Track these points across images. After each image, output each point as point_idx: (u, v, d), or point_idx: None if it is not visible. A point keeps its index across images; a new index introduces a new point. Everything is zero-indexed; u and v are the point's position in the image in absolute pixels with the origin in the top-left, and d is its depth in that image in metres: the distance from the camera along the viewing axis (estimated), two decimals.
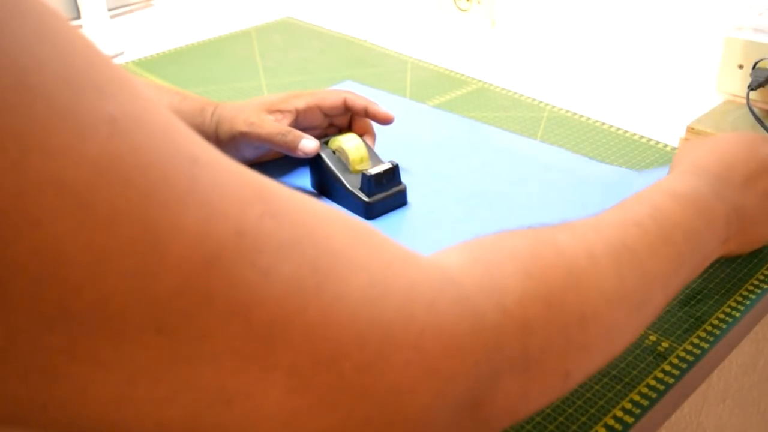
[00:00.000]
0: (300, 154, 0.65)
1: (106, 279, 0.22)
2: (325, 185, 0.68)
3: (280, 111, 0.67)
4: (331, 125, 0.72)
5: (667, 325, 0.52)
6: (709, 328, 0.52)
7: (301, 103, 0.68)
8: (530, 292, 0.33)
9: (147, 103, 0.25)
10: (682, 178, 0.49)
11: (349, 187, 0.65)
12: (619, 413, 0.45)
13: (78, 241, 0.21)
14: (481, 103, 0.88)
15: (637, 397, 0.47)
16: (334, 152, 0.68)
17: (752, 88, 0.74)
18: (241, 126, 0.66)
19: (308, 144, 0.65)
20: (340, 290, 0.26)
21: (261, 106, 0.68)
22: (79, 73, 0.23)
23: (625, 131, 0.79)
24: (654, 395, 0.47)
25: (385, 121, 0.69)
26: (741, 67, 0.79)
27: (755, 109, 0.73)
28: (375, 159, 0.68)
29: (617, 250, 0.39)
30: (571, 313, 0.35)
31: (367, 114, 0.69)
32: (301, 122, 0.69)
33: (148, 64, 1.04)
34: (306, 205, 0.28)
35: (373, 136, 0.72)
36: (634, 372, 0.48)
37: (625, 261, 0.39)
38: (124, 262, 0.22)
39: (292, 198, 0.28)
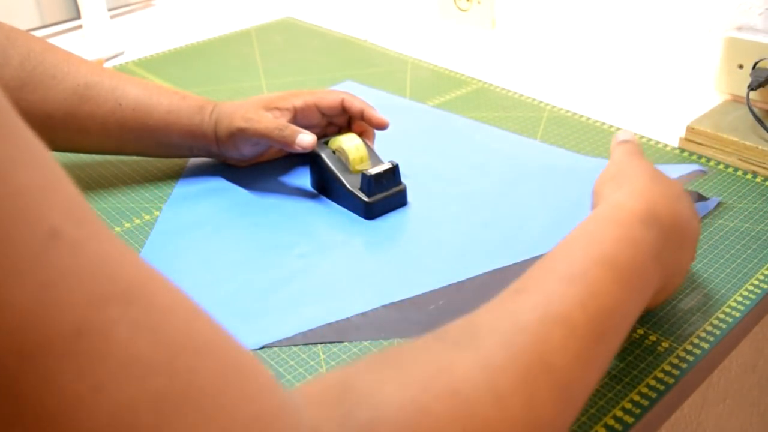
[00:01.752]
0: (297, 149, 0.65)
1: None
2: (325, 185, 0.68)
3: (278, 108, 0.67)
4: (330, 124, 0.72)
5: (667, 325, 0.52)
6: (709, 328, 0.52)
7: (299, 102, 0.68)
8: None
9: (9, 164, 0.21)
10: (627, 234, 0.43)
11: (349, 187, 0.65)
12: (619, 413, 0.45)
13: None
14: (481, 103, 0.88)
15: (637, 397, 0.47)
16: (334, 152, 0.68)
17: (752, 88, 0.74)
18: (239, 122, 0.67)
19: (305, 138, 0.65)
20: None
21: (259, 103, 0.68)
22: None
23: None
24: (654, 395, 0.47)
25: (380, 126, 0.69)
26: (741, 67, 0.79)
27: (755, 109, 0.73)
28: (375, 159, 0.68)
29: (533, 376, 0.33)
30: None
31: (363, 117, 0.69)
32: (299, 121, 0.69)
33: (148, 64, 1.04)
34: (189, 324, 0.24)
35: (372, 136, 0.72)
36: (634, 372, 0.48)
37: (542, 385, 0.33)
38: None
39: (173, 311, 0.24)
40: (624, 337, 0.40)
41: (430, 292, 0.56)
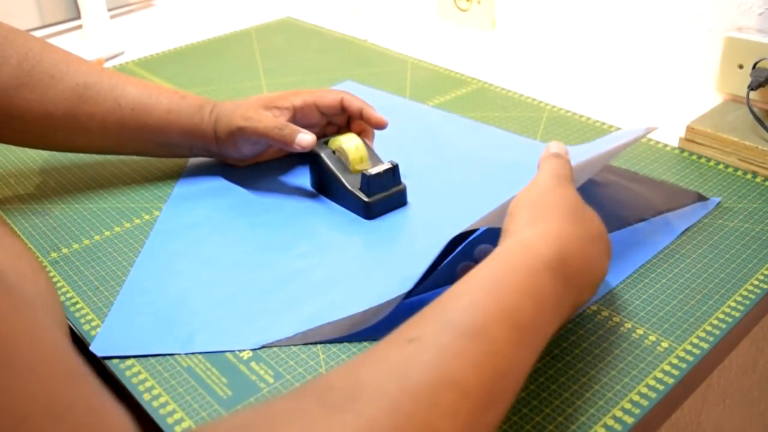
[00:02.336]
0: (297, 149, 0.65)
1: None
2: (325, 185, 0.68)
3: (278, 108, 0.68)
4: (330, 124, 0.72)
5: (666, 325, 0.52)
6: (709, 328, 0.52)
7: (298, 101, 0.68)
8: None
9: None
10: (533, 285, 0.41)
11: (349, 187, 0.65)
12: (619, 413, 0.45)
13: None
14: (481, 103, 0.88)
15: (636, 397, 0.47)
16: (333, 152, 0.68)
17: (752, 88, 0.74)
18: (239, 121, 0.67)
19: (305, 138, 0.65)
20: None
21: (259, 102, 0.68)
22: None
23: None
24: (654, 395, 0.47)
25: (378, 125, 0.69)
26: (741, 67, 0.79)
27: (755, 109, 0.73)
28: (375, 159, 0.68)
29: None
30: None
31: (362, 117, 0.69)
32: (299, 120, 0.69)
33: (148, 64, 1.04)
34: (47, 386, 0.24)
35: (371, 135, 0.72)
36: (634, 372, 0.48)
37: None
38: None
39: (33, 371, 0.23)
40: (515, 397, 0.38)
41: (430, 292, 0.56)
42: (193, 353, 0.52)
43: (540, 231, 0.45)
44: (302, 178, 0.72)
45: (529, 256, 0.43)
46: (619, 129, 0.80)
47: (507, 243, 0.45)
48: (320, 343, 0.52)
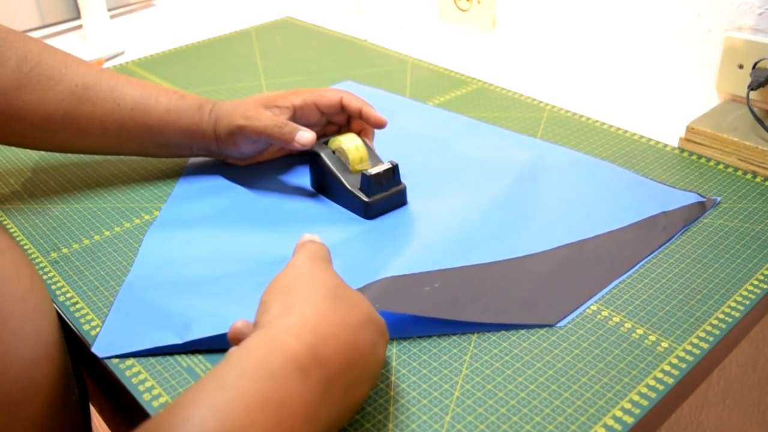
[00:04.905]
0: (297, 146, 0.65)
1: None
2: (325, 185, 0.68)
3: (278, 107, 0.68)
4: (330, 123, 0.72)
5: (666, 325, 0.52)
6: (709, 328, 0.52)
7: (298, 100, 0.68)
8: None
9: None
10: (277, 390, 0.36)
11: (349, 187, 0.65)
12: (619, 413, 0.45)
13: None
14: (481, 103, 0.88)
15: (636, 397, 0.47)
16: (333, 152, 0.68)
17: (752, 88, 0.74)
18: (239, 120, 0.67)
19: (305, 136, 0.65)
20: None
21: (259, 101, 0.68)
22: None
23: (625, 131, 0.79)
24: (654, 395, 0.47)
25: (377, 125, 0.69)
26: (741, 67, 0.79)
27: (755, 109, 0.73)
28: (375, 159, 0.68)
29: None
30: None
31: (362, 116, 0.69)
32: (299, 119, 0.69)
33: (148, 64, 1.04)
34: None
35: (371, 134, 0.72)
36: (634, 372, 0.48)
37: None
38: None
39: None
40: None
41: (427, 272, 0.56)
42: (192, 352, 0.52)
43: (293, 322, 0.40)
44: (302, 178, 0.72)
45: (274, 355, 0.37)
46: (619, 129, 0.80)
47: (250, 339, 0.39)
48: None
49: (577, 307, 0.54)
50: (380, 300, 0.53)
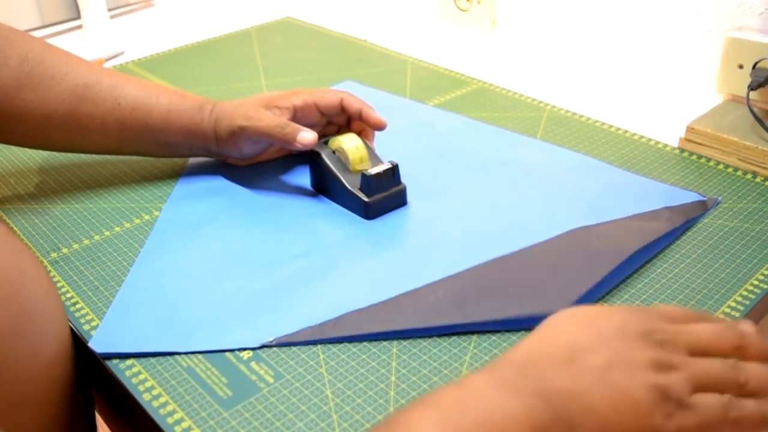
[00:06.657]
0: (299, 146, 0.65)
1: None
2: (325, 185, 0.68)
3: (278, 107, 0.68)
4: (330, 123, 0.72)
5: None
6: None
7: (298, 101, 0.68)
8: None
9: None
10: (461, 396, 0.35)
11: (349, 187, 0.65)
12: None
13: None
14: (481, 103, 0.88)
15: None
16: (333, 152, 0.68)
17: (752, 88, 0.74)
18: (240, 120, 0.67)
19: (306, 136, 0.65)
20: None
21: (259, 101, 0.68)
22: None
23: (625, 131, 0.79)
24: None
25: (377, 126, 0.69)
26: (741, 67, 0.79)
27: (755, 109, 0.73)
28: (375, 159, 0.68)
29: None
30: None
31: (361, 117, 0.69)
32: (299, 120, 0.69)
33: (148, 64, 1.04)
34: None
35: (371, 135, 0.72)
36: None
37: None
38: None
39: None
40: None
41: (428, 284, 0.56)
42: (192, 352, 0.52)
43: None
44: (302, 178, 0.72)
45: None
46: (619, 129, 0.80)
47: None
48: (320, 342, 0.52)
49: (588, 290, 0.54)
50: (385, 321, 0.53)
